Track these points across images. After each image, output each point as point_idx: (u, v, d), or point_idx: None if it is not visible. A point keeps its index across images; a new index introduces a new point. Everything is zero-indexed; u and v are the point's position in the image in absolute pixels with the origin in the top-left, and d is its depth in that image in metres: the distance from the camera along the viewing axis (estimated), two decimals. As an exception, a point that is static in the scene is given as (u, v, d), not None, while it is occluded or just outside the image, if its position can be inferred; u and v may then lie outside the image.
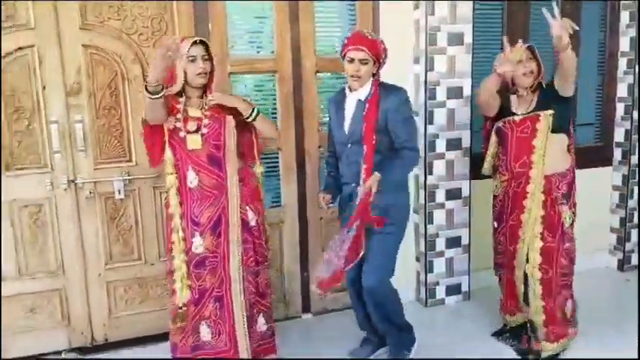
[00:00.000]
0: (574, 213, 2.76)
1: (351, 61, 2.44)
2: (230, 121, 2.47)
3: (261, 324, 2.65)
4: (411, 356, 2.79)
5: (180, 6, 2.91)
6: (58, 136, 2.81)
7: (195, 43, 2.38)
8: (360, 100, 2.51)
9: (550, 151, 2.65)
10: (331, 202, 2.71)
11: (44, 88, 2.77)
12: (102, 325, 3.04)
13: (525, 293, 2.79)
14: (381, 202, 2.46)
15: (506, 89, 2.77)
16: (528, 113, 2.69)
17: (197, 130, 2.42)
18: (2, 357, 2.83)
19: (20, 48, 2.72)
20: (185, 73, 2.39)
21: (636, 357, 2.67)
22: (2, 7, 2.65)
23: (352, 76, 2.47)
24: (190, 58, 2.37)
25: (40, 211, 2.88)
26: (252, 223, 2.55)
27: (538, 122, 2.65)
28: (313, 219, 3.30)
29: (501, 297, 3.04)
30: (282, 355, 2.83)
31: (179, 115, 2.41)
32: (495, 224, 2.91)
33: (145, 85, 2.22)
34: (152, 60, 2.24)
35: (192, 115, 2.43)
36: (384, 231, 2.52)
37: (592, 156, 3.94)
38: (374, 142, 2.46)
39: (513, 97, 2.77)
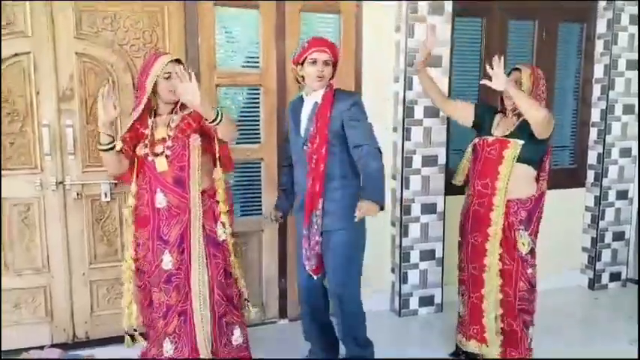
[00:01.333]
0: (533, 241, 2.79)
1: (314, 62, 2.51)
2: (194, 140, 2.52)
3: (237, 336, 2.68)
4: None
5: (172, 19, 3.06)
6: (49, 139, 2.94)
7: (172, 61, 2.47)
8: (316, 102, 2.57)
9: (514, 177, 2.69)
10: (281, 218, 2.86)
11: (38, 92, 2.91)
12: (84, 322, 3.15)
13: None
14: (328, 207, 2.56)
15: (497, 108, 2.87)
16: (502, 136, 2.73)
17: (162, 153, 2.50)
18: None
19: (17, 54, 2.86)
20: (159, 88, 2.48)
21: (636, 357, 2.72)
22: (2, 14, 2.79)
23: (317, 77, 2.52)
24: (165, 75, 2.45)
25: (28, 210, 2.99)
26: (222, 238, 2.62)
27: (506, 149, 2.69)
28: (292, 228, 3.41)
29: (462, 315, 2.99)
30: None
31: (146, 141, 2.51)
32: (460, 239, 2.96)
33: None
34: (98, 111, 2.36)
35: (159, 138, 2.51)
36: (337, 242, 2.59)
37: (566, 178, 4.09)
38: (327, 135, 2.50)
39: (498, 119, 2.83)
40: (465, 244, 2.90)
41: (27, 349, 3.01)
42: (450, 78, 3.52)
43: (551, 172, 2.88)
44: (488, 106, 2.99)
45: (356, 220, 2.39)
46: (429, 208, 3.55)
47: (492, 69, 2.52)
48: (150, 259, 2.58)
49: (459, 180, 2.99)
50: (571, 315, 3.75)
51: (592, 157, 4.09)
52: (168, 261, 2.55)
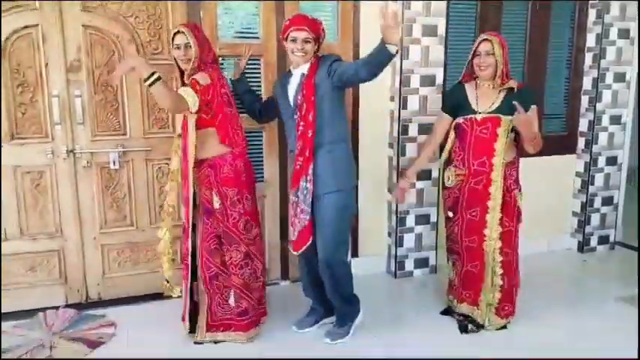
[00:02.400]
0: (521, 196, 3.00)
1: (294, 40, 2.65)
2: (190, 118, 2.68)
3: (232, 300, 2.87)
4: (354, 326, 2.97)
5: (174, -8, 3.15)
6: (59, 109, 3.06)
7: (177, 32, 2.67)
8: (303, 73, 2.71)
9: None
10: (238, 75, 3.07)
11: (47, 64, 3.01)
12: (96, 284, 3.32)
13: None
14: (319, 170, 2.69)
15: (460, 81, 3.00)
16: (489, 113, 2.85)
17: None
18: (3, 311, 3.10)
19: (26, 26, 2.95)
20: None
21: (636, 357, 2.80)
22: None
23: (299, 55, 2.67)
24: (175, 46, 2.68)
25: (41, 178, 3.13)
26: (217, 206, 2.78)
27: (499, 127, 2.83)
28: (293, 194, 3.57)
29: (452, 280, 3.18)
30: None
31: None
32: (450, 214, 3.05)
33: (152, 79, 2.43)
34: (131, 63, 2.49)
35: None
36: (328, 207, 2.71)
37: (558, 144, 4.22)
38: (314, 102, 2.63)
39: (471, 92, 2.92)
40: (458, 219, 3.01)
41: (43, 309, 3.18)
42: (445, 46, 3.61)
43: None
44: (451, 89, 3.13)
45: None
46: (424, 175, 3.68)
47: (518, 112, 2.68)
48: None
49: (444, 157, 3.09)
50: (560, 276, 3.92)
51: (583, 125, 4.21)
52: (182, 215, 2.87)
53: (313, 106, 2.65)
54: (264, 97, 3.32)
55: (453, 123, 2.99)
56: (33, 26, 2.96)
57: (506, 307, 3.03)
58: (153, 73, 2.42)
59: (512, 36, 3.93)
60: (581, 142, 4.24)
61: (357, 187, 2.87)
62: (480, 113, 2.88)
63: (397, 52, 2.38)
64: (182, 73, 2.77)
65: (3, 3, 2.89)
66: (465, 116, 2.92)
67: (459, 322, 3.08)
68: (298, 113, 2.71)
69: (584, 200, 4.24)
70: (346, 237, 2.84)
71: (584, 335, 3.01)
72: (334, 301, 2.92)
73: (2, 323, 3.02)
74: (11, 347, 2.81)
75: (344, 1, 3.45)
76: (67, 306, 3.26)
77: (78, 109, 3.09)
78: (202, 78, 2.65)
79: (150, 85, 2.43)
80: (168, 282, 2.98)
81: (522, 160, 3.92)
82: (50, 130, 3.09)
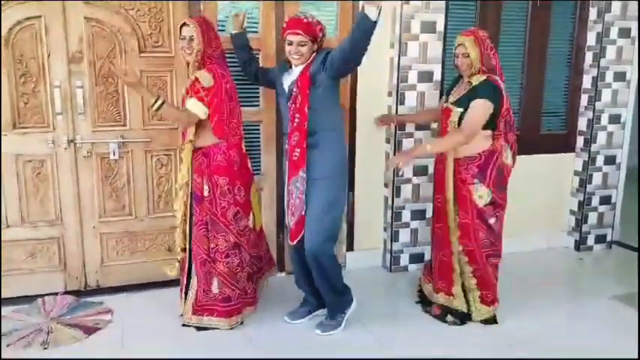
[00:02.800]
0: (494, 191, 2.94)
1: (290, 43, 2.72)
2: (187, 100, 2.80)
3: (215, 287, 2.95)
4: (346, 317, 3.02)
5: (175, -14, 3.20)
6: (61, 99, 3.12)
7: (183, 24, 2.75)
8: (301, 69, 2.77)
9: None
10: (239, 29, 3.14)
11: (49, 55, 3.07)
12: (94, 272, 3.39)
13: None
14: (313, 158, 2.75)
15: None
16: (449, 104, 3.00)
17: None
18: (2, 296, 3.18)
19: (29, 18, 3.01)
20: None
21: (636, 357, 2.81)
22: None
23: (295, 58, 2.73)
24: (181, 37, 2.76)
25: (42, 166, 3.19)
26: (206, 194, 2.85)
27: (448, 117, 2.98)
28: (290, 187, 3.61)
29: (429, 268, 3.31)
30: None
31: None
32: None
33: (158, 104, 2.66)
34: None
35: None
36: (319, 193, 2.77)
37: (557, 143, 4.24)
38: (308, 95, 2.69)
39: (458, 85, 3.05)
40: (431, 204, 3.19)
41: (42, 296, 3.25)
42: (444, 43, 3.63)
43: (512, 132, 3.07)
44: (455, 77, 3.17)
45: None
46: (420, 171, 3.71)
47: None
48: None
49: None
50: (556, 274, 3.94)
51: (582, 123, 4.22)
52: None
53: (307, 99, 2.71)
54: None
55: None
56: (36, 17, 3.02)
57: (489, 295, 3.09)
58: (157, 98, 2.63)
59: (512, 32, 3.95)
60: (579, 141, 4.25)
61: (348, 176, 2.95)
62: (446, 103, 3.04)
63: (379, 17, 2.41)
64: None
65: (6, -6, 2.95)
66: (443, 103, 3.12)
67: (436, 316, 3.14)
68: (293, 105, 2.76)
69: (582, 199, 4.25)
70: (334, 230, 2.87)
71: (576, 332, 3.04)
72: (323, 291, 2.96)
73: (3, 308, 3.09)
74: (10, 331, 2.89)
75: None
76: (66, 293, 3.32)
77: (79, 100, 3.15)
78: (206, 79, 2.74)
79: (156, 110, 2.65)
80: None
81: (520, 158, 3.98)
82: (52, 119, 3.15)
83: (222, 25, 3.32)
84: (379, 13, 2.41)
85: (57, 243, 3.30)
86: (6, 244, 3.20)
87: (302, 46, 2.71)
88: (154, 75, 3.22)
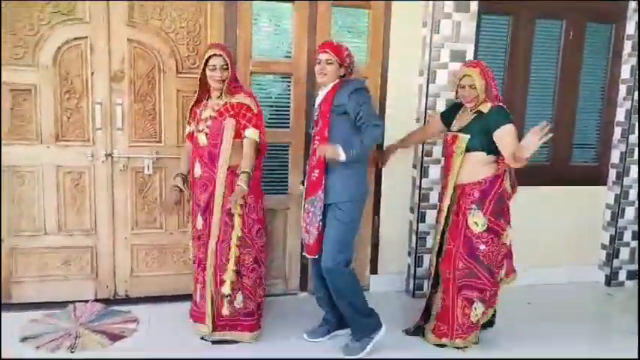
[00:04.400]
0: (489, 220, 2.90)
1: (319, 62, 2.85)
2: (229, 122, 2.90)
3: (239, 301, 3.01)
4: (374, 342, 2.98)
5: (214, 11, 3.35)
6: (101, 115, 3.29)
7: (214, 55, 2.87)
8: (326, 92, 2.87)
9: (466, 164, 2.93)
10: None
11: (92, 73, 3.25)
12: (124, 281, 3.51)
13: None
14: (331, 182, 2.84)
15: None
16: (455, 131, 3.01)
17: (203, 130, 2.93)
18: (36, 300, 3.33)
19: (76, 38, 3.21)
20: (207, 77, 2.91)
21: (636, 357, 2.80)
22: (63, 3, 3.15)
23: (319, 74, 2.85)
24: (211, 67, 2.88)
25: (80, 178, 3.36)
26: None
27: (454, 144, 2.98)
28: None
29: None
30: (271, 326, 3.23)
31: (196, 119, 2.99)
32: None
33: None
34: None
35: (204, 117, 2.94)
36: (336, 216, 2.85)
37: (588, 175, 4.19)
38: (329, 119, 2.80)
39: (460, 114, 3.08)
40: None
41: (73, 302, 3.39)
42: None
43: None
44: (453, 104, 3.21)
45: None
46: (446, 197, 3.73)
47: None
48: (193, 220, 3.07)
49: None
50: (582, 308, 3.85)
51: (615, 156, 4.16)
52: (199, 222, 2.99)
53: (328, 123, 2.82)
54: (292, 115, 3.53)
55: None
56: (82, 38, 3.21)
57: (442, 328, 3.07)
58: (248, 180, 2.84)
59: (544, 65, 3.97)
60: (612, 174, 4.19)
61: (365, 201, 2.98)
62: (451, 131, 3.05)
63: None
64: (203, 88, 2.98)
65: (56, 15, 3.16)
66: (447, 133, 3.13)
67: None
68: (315, 127, 2.89)
69: (614, 233, 4.17)
70: (348, 249, 2.91)
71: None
72: (343, 311, 2.99)
73: (36, 312, 3.25)
74: (41, 334, 3.02)
75: (374, 23, 3.58)
76: (96, 300, 3.45)
77: (118, 117, 3.32)
78: (252, 104, 2.92)
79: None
80: None
81: (550, 189, 3.98)
82: (92, 134, 3.32)
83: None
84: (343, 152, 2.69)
85: (90, 252, 3.44)
86: (43, 250, 3.36)
87: (329, 64, 2.83)
88: (189, 94, 3.35)
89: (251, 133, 2.91)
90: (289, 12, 3.48)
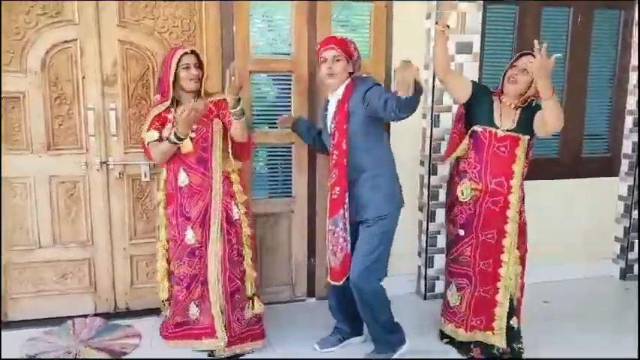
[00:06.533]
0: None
1: (324, 61, 2.64)
2: (217, 123, 2.75)
3: (247, 311, 2.89)
4: (395, 356, 2.86)
5: (209, 9, 3.19)
6: (94, 121, 3.13)
7: (186, 53, 2.70)
8: (338, 99, 2.67)
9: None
10: (290, 126, 3.13)
11: (84, 77, 3.10)
12: (124, 294, 3.36)
13: (511, 309, 2.84)
14: (360, 196, 2.65)
15: (491, 90, 2.88)
16: (509, 130, 2.74)
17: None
18: (34, 318, 3.18)
19: (65, 41, 3.05)
20: (179, 78, 2.71)
21: (636, 357, 2.73)
22: (51, 4, 2.99)
23: (327, 75, 2.64)
24: (184, 66, 2.69)
25: (74, 188, 3.20)
26: (236, 217, 2.82)
27: (517, 147, 2.72)
28: (321, 210, 3.53)
29: (455, 306, 2.99)
30: (279, 335, 3.10)
31: (169, 125, 2.74)
32: (462, 232, 2.89)
33: (176, 135, 2.61)
34: (183, 118, 2.55)
35: None
36: (370, 230, 2.66)
37: (600, 166, 4.07)
38: (346, 130, 2.59)
39: (496, 106, 2.80)
40: (472, 239, 2.86)
41: (72, 318, 3.24)
42: (480, 65, 3.54)
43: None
44: (484, 86, 2.95)
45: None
46: (456, 194, 3.59)
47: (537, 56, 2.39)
48: (174, 235, 2.82)
49: (453, 157, 2.95)
50: (600, 304, 3.73)
51: (627, 146, 4.04)
52: (191, 237, 2.78)
53: (346, 134, 2.60)
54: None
55: (470, 130, 2.83)
56: (72, 40, 3.06)
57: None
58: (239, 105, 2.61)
59: (552, 52, 3.80)
60: (624, 165, 4.06)
61: (400, 208, 2.79)
62: (499, 129, 2.76)
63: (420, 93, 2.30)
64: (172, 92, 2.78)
65: (43, 18, 3.00)
66: (485, 127, 2.79)
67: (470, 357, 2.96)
68: (332, 141, 2.68)
69: (628, 225, 4.04)
70: (382, 264, 2.76)
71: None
72: (368, 325, 2.85)
73: (33, 330, 3.11)
74: (38, 354, 2.87)
75: (376, 16, 3.43)
76: (96, 315, 3.30)
77: (112, 122, 3.16)
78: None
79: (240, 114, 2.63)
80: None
81: (562, 182, 3.85)
82: (85, 141, 3.17)
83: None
84: (414, 87, 2.24)
85: (88, 264, 3.29)
86: (38, 264, 3.21)
87: (337, 61, 2.63)
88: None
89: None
90: (288, 7, 3.33)
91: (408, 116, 2.41)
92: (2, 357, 2.69)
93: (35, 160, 3.11)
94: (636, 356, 2.69)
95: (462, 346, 3.01)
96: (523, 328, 2.96)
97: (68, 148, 3.16)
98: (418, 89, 2.27)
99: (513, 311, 2.86)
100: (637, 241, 4.08)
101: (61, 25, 3.03)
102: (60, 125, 3.13)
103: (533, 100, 2.76)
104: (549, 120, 2.57)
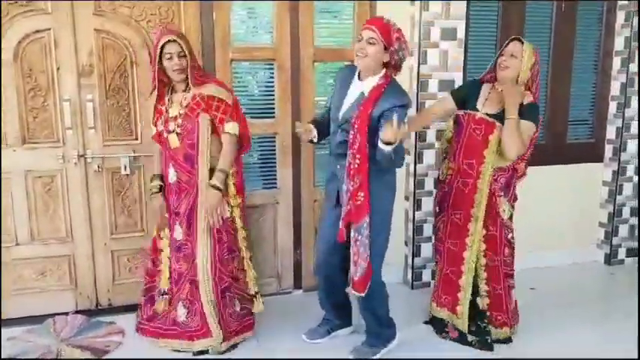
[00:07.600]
0: (512, 207, 2.88)
1: (360, 40, 2.45)
2: (203, 119, 2.65)
3: (237, 305, 2.86)
4: (386, 350, 2.83)
5: (188, -4, 3.10)
6: (70, 113, 3.03)
7: (169, 41, 2.58)
8: (362, 92, 2.51)
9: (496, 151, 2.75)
10: (313, 139, 2.70)
11: (59, 68, 2.99)
12: (106, 290, 3.28)
13: (475, 285, 2.87)
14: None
15: (481, 79, 2.87)
16: (489, 115, 2.72)
17: (174, 130, 2.66)
18: (13, 316, 3.09)
19: (38, 31, 2.93)
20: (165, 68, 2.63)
21: (636, 357, 2.73)
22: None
23: (357, 55, 2.46)
24: (167, 56, 2.59)
25: (52, 182, 3.10)
26: (226, 215, 2.74)
27: (492, 133, 2.70)
28: (307, 200, 3.49)
29: (435, 285, 3.10)
30: (267, 328, 3.06)
31: (162, 118, 2.70)
32: (437, 209, 3.04)
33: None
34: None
35: (172, 115, 2.67)
36: (373, 227, 2.56)
37: (584, 152, 4.06)
38: (367, 135, 2.44)
39: (484, 92, 2.79)
40: (444, 217, 2.96)
41: (52, 315, 3.15)
42: (465, 51, 3.50)
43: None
44: (469, 82, 2.99)
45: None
46: (442, 182, 3.57)
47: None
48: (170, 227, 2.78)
49: (441, 150, 3.08)
50: (586, 290, 3.75)
51: (610, 132, 4.04)
52: (179, 232, 2.72)
53: (366, 138, 2.45)
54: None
55: (454, 114, 2.90)
56: (45, 30, 2.94)
57: (499, 317, 2.92)
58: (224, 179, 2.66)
59: (536, 39, 3.77)
60: (608, 150, 4.07)
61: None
62: (479, 111, 2.77)
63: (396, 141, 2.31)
64: (160, 84, 2.71)
65: (14, 7, 2.88)
66: (465, 110, 2.82)
67: (453, 340, 2.99)
68: (350, 150, 2.50)
69: (612, 210, 4.06)
70: (382, 260, 2.71)
71: (603, 352, 2.84)
72: (366, 319, 2.80)
73: (13, 329, 3.02)
74: (19, 354, 2.79)
75: (360, 2, 3.36)
76: (77, 312, 3.22)
77: (89, 114, 3.06)
78: (225, 94, 2.67)
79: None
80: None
81: (546, 168, 3.83)
82: (62, 134, 3.07)
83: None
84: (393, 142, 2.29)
85: (67, 261, 3.20)
86: (16, 262, 3.11)
87: (370, 44, 2.41)
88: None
89: (230, 128, 2.68)
90: (269, -6, 3.25)
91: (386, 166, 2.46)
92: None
93: (10, 155, 3.01)
94: (636, 356, 2.70)
95: (437, 325, 3.07)
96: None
97: (44, 142, 3.06)
98: (398, 148, 2.34)
99: (478, 292, 2.89)
100: (637, 224, 4.12)
101: (33, 15, 2.92)
102: (35, 118, 3.03)
103: (532, 100, 2.75)
104: (504, 138, 2.64)
